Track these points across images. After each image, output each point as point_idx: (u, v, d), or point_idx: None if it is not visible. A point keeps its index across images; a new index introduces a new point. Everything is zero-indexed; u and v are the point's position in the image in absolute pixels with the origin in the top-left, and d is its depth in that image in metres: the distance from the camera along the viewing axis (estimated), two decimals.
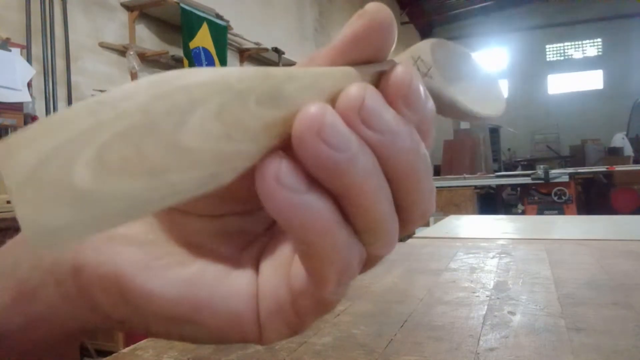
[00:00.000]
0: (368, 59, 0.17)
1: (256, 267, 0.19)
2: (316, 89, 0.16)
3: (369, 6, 0.16)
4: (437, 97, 0.19)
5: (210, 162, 0.15)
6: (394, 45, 0.17)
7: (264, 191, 0.15)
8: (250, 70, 0.15)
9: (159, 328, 0.19)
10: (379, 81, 0.17)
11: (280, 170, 0.15)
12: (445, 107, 0.20)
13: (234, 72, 0.15)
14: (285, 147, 0.15)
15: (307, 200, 0.15)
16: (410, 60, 0.19)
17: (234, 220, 0.20)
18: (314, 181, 0.15)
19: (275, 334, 0.19)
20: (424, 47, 0.20)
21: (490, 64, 10.75)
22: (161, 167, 0.14)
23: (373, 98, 0.16)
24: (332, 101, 0.16)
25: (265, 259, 0.19)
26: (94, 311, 0.19)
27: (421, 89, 0.17)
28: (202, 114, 0.14)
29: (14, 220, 1.87)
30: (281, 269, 0.18)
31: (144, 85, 0.14)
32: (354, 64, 0.17)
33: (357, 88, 0.15)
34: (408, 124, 0.16)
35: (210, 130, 0.14)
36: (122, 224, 0.14)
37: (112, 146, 0.13)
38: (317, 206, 0.15)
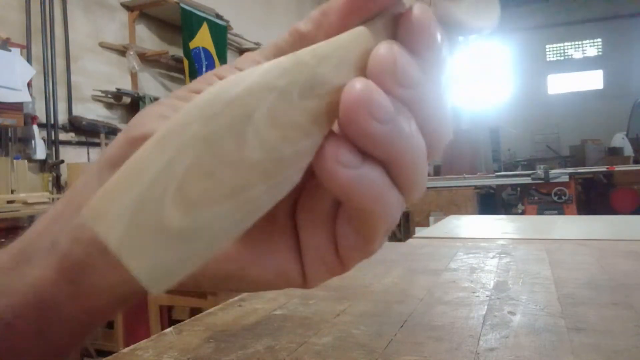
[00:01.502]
0: (382, 7, 0.17)
1: (293, 221, 0.20)
2: (346, 63, 0.16)
3: None
4: (439, 20, 0.19)
5: (277, 168, 0.15)
6: None
7: (325, 172, 0.16)
8: (283, 62, 0.15)
9: (207, 285, 0.20)
10: (394, 25, 0.17)
11: (339, 151, 0.15)
12: (443, 25, 0.19)
13: (271, 68, 0.15)
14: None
15: (363, 173, 0.16)
16: None
17: None
18: (365, 153, 0.16)
19: (319, 279, 0.20)
20: None
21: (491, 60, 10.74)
22: (237, 186, 0.14)
23: (401, 56, 0.16)
24: (362, 68, 0.16)
25: (302, 214, 0.20)
26: None
27: (437, 29, 0.17)
28: (257, 123, 0.14)
29: (14, 220, 1.87)
30: (323, 226, 0.19)
31: (196, 109, 0.14)
32: (369, 15, 0.17)
33: (385, 51, 0.16)
34: (432, 69, 0.17)
35: (268, 138, 0.15)
36: (219, 249, 0.14)
37: (190, 180, 0.14)
38: (372, 176, 0.16)
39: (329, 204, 0.19)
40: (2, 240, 1.78)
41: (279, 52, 0.19)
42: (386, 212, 0.17)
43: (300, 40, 0.18)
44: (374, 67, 0.16)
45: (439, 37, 0.17)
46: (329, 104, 0.16)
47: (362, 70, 0.16)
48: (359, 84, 0.15)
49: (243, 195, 0.14)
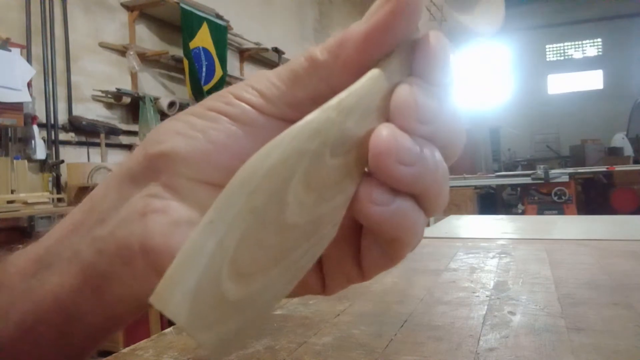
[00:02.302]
0: (399, 39, 0.17)
1: None
2: (370, 111, 0.17)
3: None
4: (450, 34, 0.19)
5: (316, 228, 0.16)
6: (421, 19, 0.18)
7: (362, 212, 0.17)
8: (312, 122, 0.16)
9: None
10: (411, 52, 0.18)
11: (372, 192, 0.17)
12: (453, 35, 0.20)
13: (301, 131, 0.16)
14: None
15: (395, 208, 0.17)
16: (426, 12, 0.19)
17: None
18: (395, 189, 0.17)
19: (338, 288, 0.21)
20: None
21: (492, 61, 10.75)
22: (283, 252, 0.15)
23: (421, 95, 0.17)
24: (385, 111, 0.17)
25: None
26: None
27: (451, 56, 0.18)
28: (295, 188, 0.15)
29: (14, 220, 1.86)
30: (347, 240, 0.20)
31: (237, 186, 0.15)
32: (387, 48, 0.17)
33: (405, 94, 0.17)
34: (447, 93, 0.18)
35: (306, 201, 0.16)
36: (273, 310, 0.16)
37: (242, 255, 0.15)
38: (404, 208, 0.17)
39: (353, 219, 0.20)
40: (2, 240, 1.78)
41: (294, 75, 0.19)
42: (415, 236, 0.18)
43: (316, 67, 0.19)
44: (396, 111, 0.17)
45: (450, 58, 0.18)
46: (357, 155, 0.16)
47: (385, 113, 0.17)
48: (384, 132, 0.16)
49: (288, 259, 0.16)
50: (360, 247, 0.19)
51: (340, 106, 0.16)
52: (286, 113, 0.19)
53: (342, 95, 0.16)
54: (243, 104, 0.19)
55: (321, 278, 0.20)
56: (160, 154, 0.19)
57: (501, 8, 0.21)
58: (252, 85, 0.20)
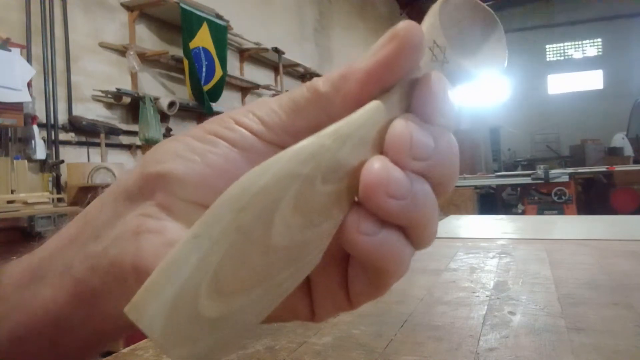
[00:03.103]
0: (400, 77, 0.18)
1: None
2: (365, 142, 0.17)
3: (400, 27, 0.17)
4: (451, 75, 0.19)
5: (301, 253, 0.16)
6: (423, 59, 0.18)
7: (348, 241, 0.17)
8: (307, 147, 0.16)
9: None
10: (411, 89, 0.18)
11: (359, 222, 0.17)
12: (456, 79, 0.20)
13: (295, 155, 0.16)
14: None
15: (382, 238, 0.17)
16: (428, 53, 0.19)
17: None
18: (383, 220, 0.17)
19: (327, 315, 0.21)
20: (434, 23, 0.19)
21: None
22: (266, 273, 0.15)
23: (416, 132, 0.17)
24: (380, 144, 0.17)
25: None
26: None
27: (451, 97, 0.18)
28: (283, 210, 0.15)
29: (14, 220, 1.86)
30: (334, 268, 0.20)
31: (226, 202, 0.15)
32: (387, 84, 0.18)
33: (401, 130, 0.17)
34: (443, 132, 0.18)
35: (293, 224, 0.15)
36: (251, 330, 0.16)
37: (223, 273, 0.15)
38: (391, 239, 0.17)
39: (341, 248, 0.20)
40: (2, 240, 1.78)
41: (295, 105, 0.19)
42: (401, 267, 0.18)
43: (317, 98, 0.19)
44: (390, 145, 0.17)
45: (453, 105, 0.18)
46: (349, 184, 0.16)
47: (380, 145, 0.17)
48: (377, 164, 0.16)
49: (271, 281, 0.15)
50: (347, 276, 0.20)
51: (336, 134, 0.16)
52: (285, 141, 0.19)
53: (340, 123, 0.17)
54: (242, 130, 0.19)
55: (310, 305, 0.20)
56: (158, 174, 0.19)
57: (504, 52, 0.21)
58: (253, 111, 0.20)
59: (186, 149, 0.19)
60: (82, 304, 0.20)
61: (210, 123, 0.20)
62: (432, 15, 0.20)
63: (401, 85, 0.18)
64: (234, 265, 0.15)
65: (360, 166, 0.16)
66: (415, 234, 0.18)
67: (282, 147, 0.19)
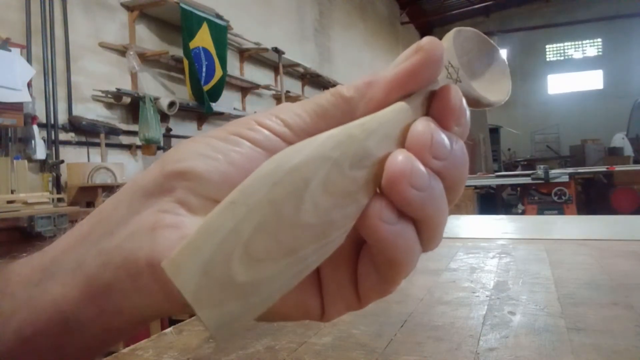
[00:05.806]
0: (421, 87, 0.20)
1: None
2: (389, 136, 0.18)
3: (425, 42, 0.19)
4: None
5: (327, 231, 0.17)
6: (440, 74, 0.20)
7: (369, 228, 0.18)
8: (337, 135, 0.17)
9: None
10: (429, 100, 0.20)
11: (382, 210, 0.18)
12: (466, 98, 0.22)
13: (326, 140, 0.17)
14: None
15: (399, 229, 0.18)
16: (444, 70, 0.21)
17: None
18: (401, 212, 0.18)
19: (336, 314, 0.21)
20: (449, 47, 0.21)
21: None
22: (294, 247, 0.16)
23: (437, 132, 0.19)
24: (402, 141, 0.18)
25: None
26: (169, 300, 0.19)
27: (466, 108, 0.20)
28: (313, 189, 0.16)
29: (14, 220, 1.86)
30: (345, 265, 0.20)
31: (262, 175, 0.16)
32: (409, 92, 0.20)
33: (423, 128, 0.18)
34: (458, 140, 0.19)
35: (321, 203, 0.17)
36: (274, 301, 0.16)
37: (255, 240, 0.16)
38: (406, 231, 0.18)
39: (352, 244, 0.20)
40: (2, 240, 1.78)
41: (319, 108, 0.20)
42: (411, 262, 0.19)
43: (342, 103, 0.20)
44: (413, 141, 0.18)
45: (467, 114, 0.20)
46: (373, 173, 0.18)
47: (402, 142, 0.18)
48: (400, 156, 0.18)
49: (297, 255, 0.16)
50: (357, 273, 0.20)
51: (363, 126, 0.18)
52: None
53: (366, 118, 0.18)
54: (266, 131, 0.20)
55: (321, 303, 0.21)
56: (179, 172, 0.19)
57: (508, 84, 0.23)
58: (276, 114, 0.21)
59: (208, 148, 0.20)
60: (92, 300, 0.20)
61: (233, 125, 0.21)
62: (446, 40, 0.22)
63: (421, 94, 0.20)
64: (264, 235, 0.16)
65: (385, 157, 0.18)
66: (426, 230, 0.19)
67: None
